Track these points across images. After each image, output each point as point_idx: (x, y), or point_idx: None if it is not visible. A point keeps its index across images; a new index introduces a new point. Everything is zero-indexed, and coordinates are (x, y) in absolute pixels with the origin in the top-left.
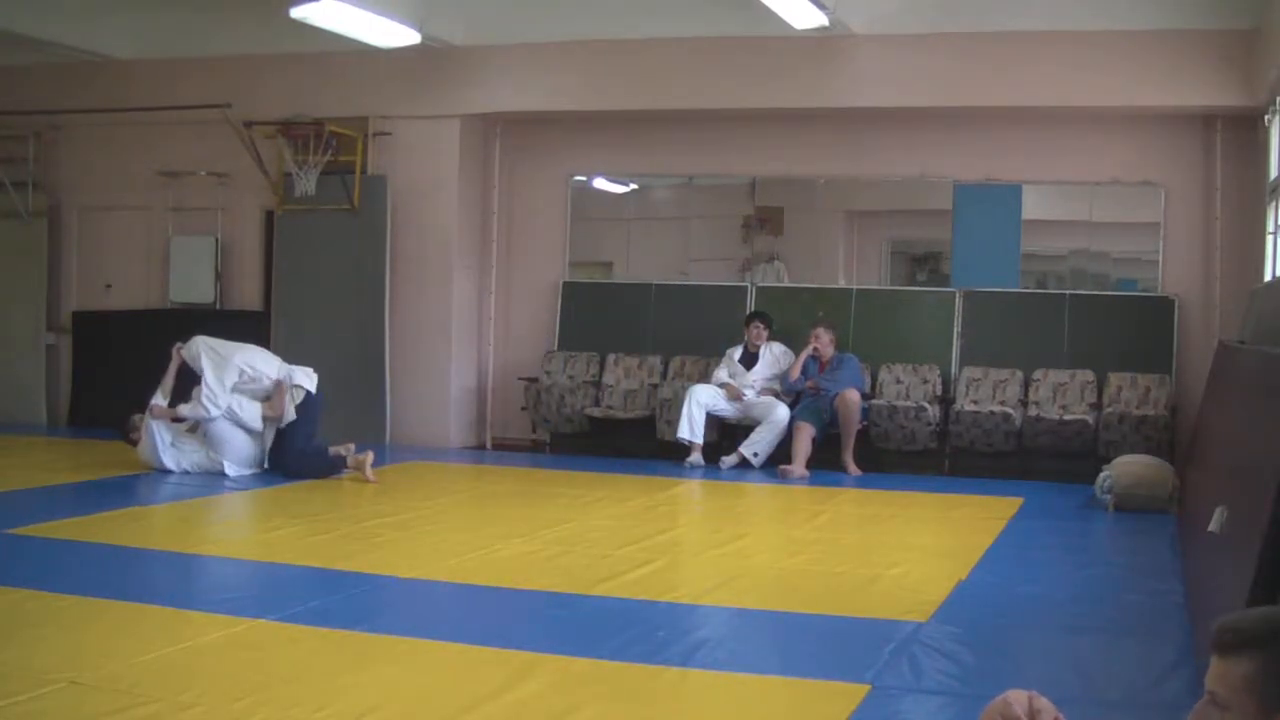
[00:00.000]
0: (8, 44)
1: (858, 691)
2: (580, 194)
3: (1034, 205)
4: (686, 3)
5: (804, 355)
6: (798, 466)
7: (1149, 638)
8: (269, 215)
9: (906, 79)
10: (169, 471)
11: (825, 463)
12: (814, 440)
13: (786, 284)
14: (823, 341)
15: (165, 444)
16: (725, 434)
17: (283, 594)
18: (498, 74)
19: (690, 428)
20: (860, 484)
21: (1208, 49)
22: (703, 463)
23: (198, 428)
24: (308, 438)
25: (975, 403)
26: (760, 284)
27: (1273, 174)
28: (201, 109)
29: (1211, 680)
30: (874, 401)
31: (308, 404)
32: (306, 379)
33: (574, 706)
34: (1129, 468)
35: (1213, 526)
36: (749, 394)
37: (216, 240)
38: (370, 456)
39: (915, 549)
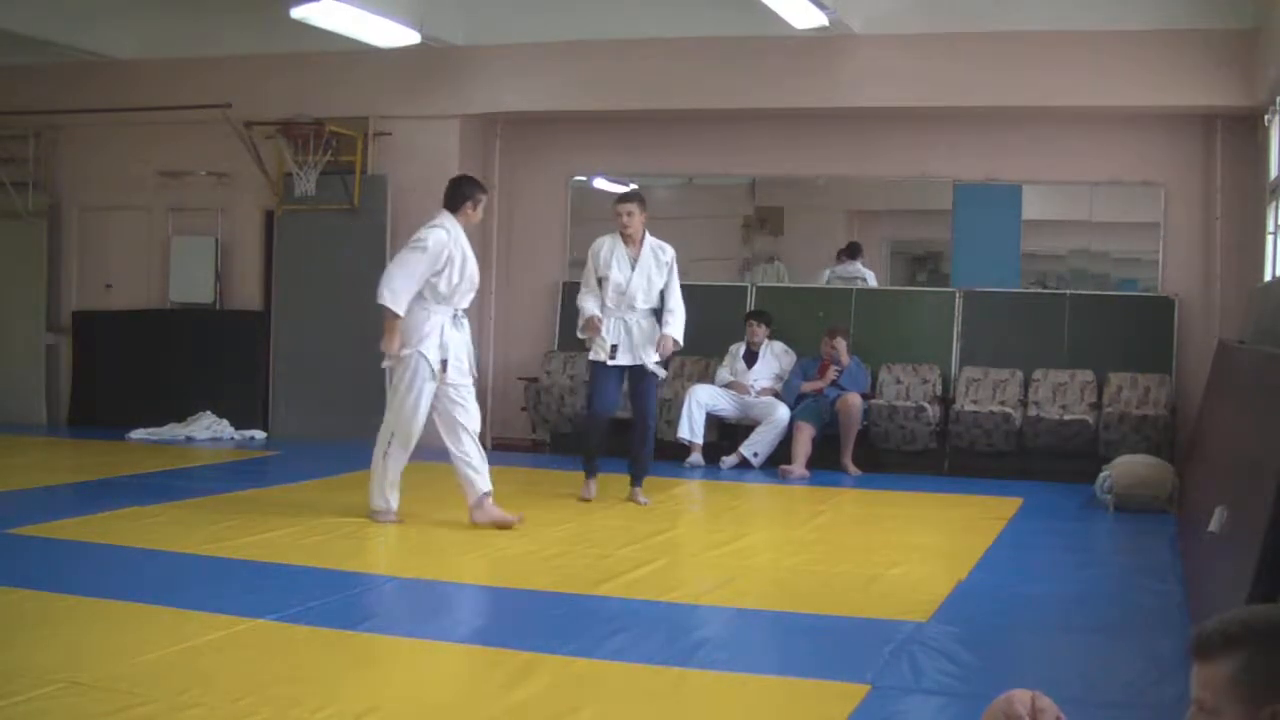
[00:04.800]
0: (8, 44)
1: (858, 691)
2: (580, 194)
3: (1034, 205)
4: (686, 3)
5: (829, 377)
6: (798, 466)
7: (1149, 638)
8: (269, 215)
9: (906, 79)
10: None
11: (825, 463)
12: (814, 440)
13: (787, 284)
14: (840, 351)
15: None
16: (725, 434)
17: (283, 594)
18: (498, 74)
19: (690, 428)
20: (860, 484)
21: (1208, 49)
22: (703, 463)
23: None
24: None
25: (975, 403)
26: (760, 284)
27: (1273, 174)
28: (202, 109)
29: (1196, 687)
30: (874, 401)
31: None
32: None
33: (574, 706)
34: (1129, 468)
35: (1213, 526)
36: (750, 393)
37: (216, 240)
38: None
39: (915, 549)
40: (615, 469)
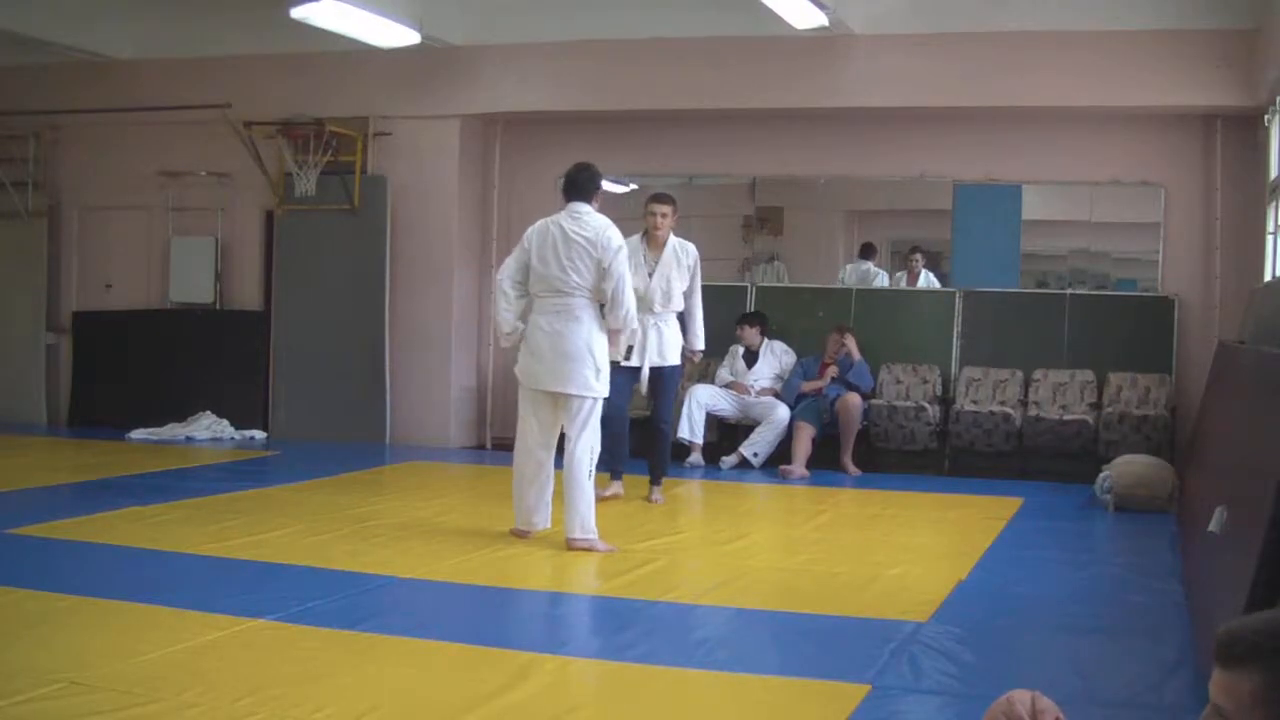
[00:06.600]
0: (8, 44)
1: (858, 691)
2: None
3: (1034, 205)
4: (686, 3)
5: (828, 376)
6: (798, 466)
7: (1149, 638)
8: (269, 215)
9: (906, 79)
10: None
11: (825, 463)
12: (814, 440)
13: (787, 284)
14: (851, 347)
15: None
16: (725, 434)
17: (283, 594)
18: (498, 74)
19: (690, 428)
20: (860, 484)
21: (1208, 49)
22: (703, 463)
23: None
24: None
25: (975, 403)
26: (760, 284)
27: (1273, 174)
28: (201, 109)
29: (1216, 692)
30: (874, 401)
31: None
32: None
33: (574, 706)
34: (1129, 468)
35: (1213, 526)
36: (750, 393)
37: (216, 240)
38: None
39: (915, 549)
40: (632, 470)
